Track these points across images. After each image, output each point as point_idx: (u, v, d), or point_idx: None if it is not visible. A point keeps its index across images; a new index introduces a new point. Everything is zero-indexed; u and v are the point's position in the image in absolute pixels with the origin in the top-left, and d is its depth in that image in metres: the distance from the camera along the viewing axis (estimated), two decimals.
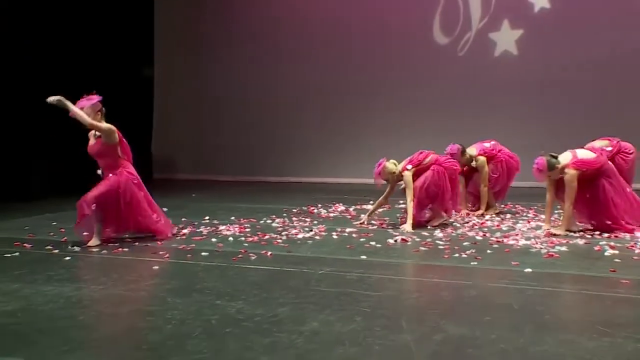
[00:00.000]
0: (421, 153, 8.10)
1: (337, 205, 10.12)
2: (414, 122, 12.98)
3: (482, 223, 8.23)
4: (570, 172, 7.16)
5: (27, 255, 6.64)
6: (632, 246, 6.65)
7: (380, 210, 9.27)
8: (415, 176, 7.97)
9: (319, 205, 10.06)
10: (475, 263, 6.02)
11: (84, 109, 6.96)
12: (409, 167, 7.92)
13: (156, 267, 6.00)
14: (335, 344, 3.84)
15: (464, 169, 8.91)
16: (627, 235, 7.25)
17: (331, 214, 9.32)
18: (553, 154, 7.35)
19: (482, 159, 8.90)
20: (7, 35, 12.02)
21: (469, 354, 3.69)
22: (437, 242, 7.03)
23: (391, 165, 8.00)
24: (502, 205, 9.38)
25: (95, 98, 7.10)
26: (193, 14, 15.07)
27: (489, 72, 12.57)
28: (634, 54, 11.77)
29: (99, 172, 7.30)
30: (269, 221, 8.56)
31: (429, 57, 13.22)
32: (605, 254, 6.34)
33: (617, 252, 6.39)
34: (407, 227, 7.69)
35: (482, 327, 4.13)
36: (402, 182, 7.97)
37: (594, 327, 4.11)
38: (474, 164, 8.91)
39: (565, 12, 12.36)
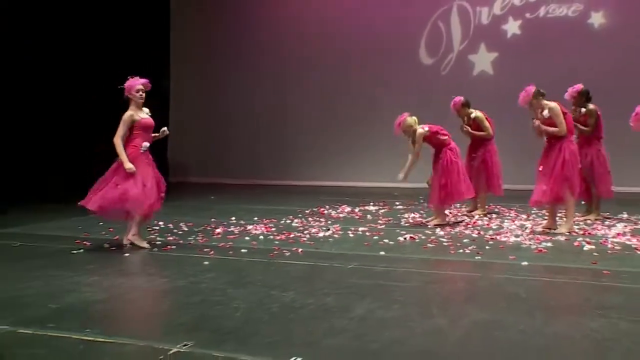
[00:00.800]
0: (442, 129, 8.30)
1: (343, 206, 10.15)
2: (398, 140, 13.10)
3: (474, 222, 8.39)
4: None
5: (91, 252, 6.82)
6: (604, 242, 6.97)
7: (382, 211, 9.58)
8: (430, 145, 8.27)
9: (327, 207, 10.09)
10: (479, 257, 6.24)
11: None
12: (425, 128, 8.10)
13: (206, 263, 6.12)
14: (382, 328, 4.13)
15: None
16: (599, 232, 7.60)
17: (340, 215, 9.37)
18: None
19: (480, 114, 9.03)
20: (9, 35, 11.64)
21: (495, 336, 4.00)
22: (441, 239, 7.20)
23: (411, 119, 8.14)
24: (487, 206, 9.38)
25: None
26: (205, 32, 15.00)
27: (468, 89, 12.56)
28: (593, 74, 12.09)
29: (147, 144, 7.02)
30: (288, 221, 8.64)
31: (417, 75, 13.36)
32: (584, 249, 6.62)
33: (593, 247, 6.69)
34: (401, 175, 8.03)
35: (500, 313, 4.45)
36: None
37: (592, 310, 4.45)
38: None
39: (533, 38, 12.61)
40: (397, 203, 10.48)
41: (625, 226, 7.98)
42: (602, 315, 4.32)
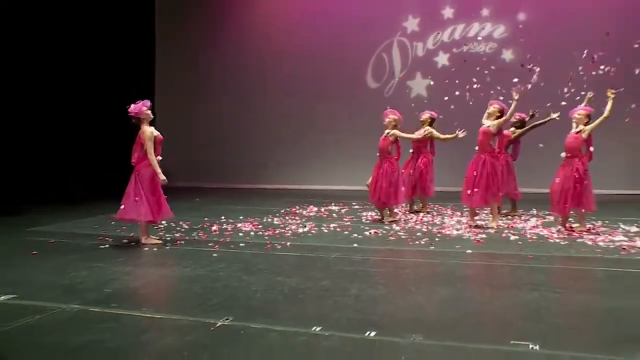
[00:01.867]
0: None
1: (310, 207, 10.42)
2: (353, 145, 13.38)
3: (420, 219, 8.86)
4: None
5: (116, 247, 6.98)
6: (524, 233, 7.61)
7: (344, 210, 10.00)
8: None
9: (297, 207, 10.32)
10: (433, 247, 6.75)
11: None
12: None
13: (215, 255, 6.40)
14: (375, 304, 4.61)
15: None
16: (520, 225, 8.24)
17: (310, 214, 9.64)
18: None
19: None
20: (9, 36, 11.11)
21: (460, 306, 4.54)
22: (399, 233, 7.66)
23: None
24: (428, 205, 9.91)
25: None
26: (187, 49, 14.95)
27: (406, 110, 13.07)
28: (505, 98, 12.72)
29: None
30: (269, 220, 8.89)
31: (364, 97, 13.78)
32: (510, 239, 7.23)
33: (517, 237, 7.31)
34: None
35: (459, 290, 5.00)
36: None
37: (525, 286, 5.02)
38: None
39: (459, 68, 13.15)
40: (354, 203, 10.88)
41: (537, 220, 8.67)
42: (534, 289, 4.92)
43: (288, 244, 7.07)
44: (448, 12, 13.30)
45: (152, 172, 7.02)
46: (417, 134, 9.00)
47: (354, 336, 3.86)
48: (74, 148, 12.31)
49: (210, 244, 7.09)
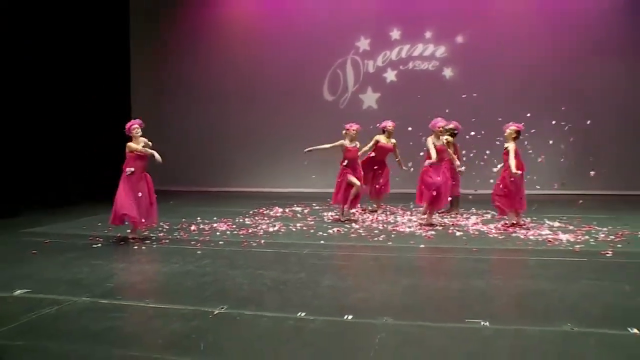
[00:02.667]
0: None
1: (275, 208, 10.52)
2: (310, 154, 13.70)
3: (375, 218, 9.17)
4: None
5: (107, 246, 7.07)
6: (467, 229, 8.10)
7: (306, 211, 10.27)
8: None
9: (264, 208, 10.41)
10: (390, 243, 7.13)
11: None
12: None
13: (199, 252, 6.59)
14: (349, 292, 4.97)
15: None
16: (463, 222, 8.72)
17: (277, 214, 9.78)
18: None
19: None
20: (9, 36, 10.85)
21: (422, 292, 4.96)
22: (359, 231, 7.97)
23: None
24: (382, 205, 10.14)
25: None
26: (160, 58, 14.80)
27: (359, 120, 13.35)
28: (443, 110, 13.23)
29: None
30: (241, 220, 9.03)
31: (321, 108, 14.00)
32: (457, 234, 7.69)
33: (462, 233, 7.78)
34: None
35: (419, 279, 5.42)
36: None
37: (474, 274, 5.47)
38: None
39: (405, 83, 13.67)
40: (314, 204, 11.12)
41: (477, 218, 9.18)
42: (480, 276, 5.38)
43: (262, 241, 7.31)
44: (395, 34, 13.75)
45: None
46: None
47: (334, 319, 4.22)
48: (57, 152, 12.13)
49: (192, 242, 7.27)
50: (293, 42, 14.10)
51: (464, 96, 10.32)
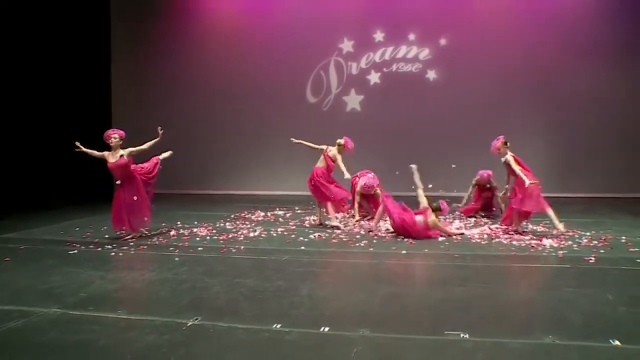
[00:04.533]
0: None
1: (257, 212, 10.36)
2: (294, 154, 13.55)
3: (357, 222, 9.04)
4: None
5: (84, 253, 6.90)
6: (453, 234, 8.02)
7: (289, 214, 10.13)
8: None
9: (246, 212, 10.25)
10: (372, 249, 7.02)
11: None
12: None
13: (177, 259, 6.45)
14: (327, 301, 4.87)
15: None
16: (446, 227, 8.59)
17: (258, 218, 9.64)
18: None
19: None
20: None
21: (401, 302, 4.85)
22: (340, 236, 7.85)
23: None
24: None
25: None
26: (141, 60, 14.66)
27: (342, 121, 13.32)
28: (428, 112, 13.26)
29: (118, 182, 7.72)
30: (222, 224, 8.90)
31: (304, 110, 13.92)
32: (439, 239, 7.58)
33: (444, 238, 7.71)
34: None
35: (399, 287, 5.31)
36: None
37: (455, 281, 5.38)
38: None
39: (388, 85, 13.60)
40: (297, 208, 11.03)
41: (460, 222, 9.12)
42: (461, 284, 5.29)
43: (242, 247, 7.18)
44: (379, 36, 13.68)
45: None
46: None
47: (310, 331, 4.10)
48: (35, 154, 11.90)
49: (171, 249, 7.13)
50: (276, 43, 13.99)
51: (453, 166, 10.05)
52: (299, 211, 10.69)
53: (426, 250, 6.96)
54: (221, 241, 7.62)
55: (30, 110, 11.90)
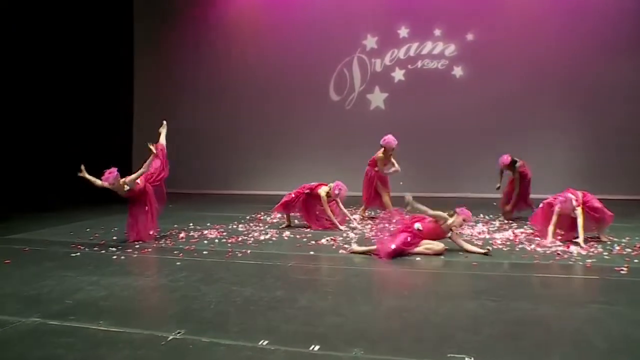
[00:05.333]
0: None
1: (275, 213, 9.80)
2: (318, 154, 13.29)
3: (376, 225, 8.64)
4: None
5: (86, 255, 6.69)
6: (471, 239, 7.47)
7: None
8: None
9: (263, 213, 9.96)
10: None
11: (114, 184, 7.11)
12: None
13: (179, 264, 6.15)
14: (323, 315, 4.42)
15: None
16: (467, 231, 8.04)
17: (274, 220, 9.29)
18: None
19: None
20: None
21: (404, 317, 4.39)
22: (354, 241, 7.30)
23: None
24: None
25: (114, 171, 7.14)
26: (163, 65, 14.52)
27: (366, 120, 13.00)
28: (455, 111, 12.69)
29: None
30: (235, 226, 8.59)
31: (327, 108, 13.51)
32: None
33: None
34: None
35: (406, 299, 4.83)
36: None
37: (468, 294, 4.89)
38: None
39: (413, 82, 13.06)
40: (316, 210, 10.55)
41: (484, 226, 8.53)
42: (474, 297, 4.79)
43: (248, 251, 6.84)
44: (404, 32, 13.15)
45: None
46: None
47: (298, 350, 3.69)
48: (53, 154, 11.81)
49: (175, 252, 6.86)
50: (298, 40, 13.63)
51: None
52: (318, 212, 10.24)
53: (442, 257, 6.45)
54: (229, 245, 7.30)
55: (51, 109, 11.82)
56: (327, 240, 7.50)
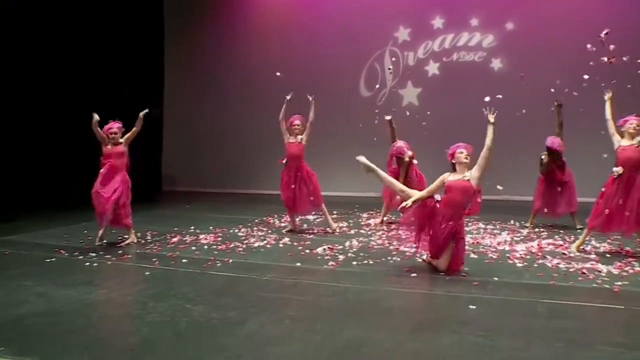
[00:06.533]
0: None
1: (286, 216, 9.17)
2: (347, 152, 12.61)
3: (387, 232, 7.86)
4: None
5: (62, 260, 6.26)
6: (487, 251, 6.53)
7: (318, 220, 9.00)
8: None
9: (275, 216, 9.39)
10: (374, 269, 5.73)
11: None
12: None
13: (147, 273, 5.62)
14: (266, 345, 3.71)
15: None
16: (487, 240, 7.10)
17: (282, 224, 8.68)
18: None
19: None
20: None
21: (363, 352, 3.57)
22: (351, 250, 6.63)
23: None
24: None
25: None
26: (191, 67, 14.22)
27: (398, 117, 12.27)
28: (498, 110, 11.62)
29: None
30: (236, 230, 8.01)
31: (357, 105, 12.74)
32: (470, 256, 6.15)
33: (477, 256, 6.23)
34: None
35: (371, 328, 3.99)
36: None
37: (449, 325, 4.00)
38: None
39: (448, 76, 12.12)
40: (335, 212, 9.78)
41: (508, 234, 7.53)
42: (455, 330, 3.92)
43: (230, 261, 6.23)
44: (438, 23, 12.16)
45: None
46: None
47: None
48: (54, 154, 11.47)
49: (153, 259, 6.32)
50: (326, 34, 12.91)
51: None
52: (334, 215, 9.47)
53: (442, 274, 5.51)
54: (216, 252, 6.70)
55: (80, 107, 11.50)
56: (324, 249, 6.72)
